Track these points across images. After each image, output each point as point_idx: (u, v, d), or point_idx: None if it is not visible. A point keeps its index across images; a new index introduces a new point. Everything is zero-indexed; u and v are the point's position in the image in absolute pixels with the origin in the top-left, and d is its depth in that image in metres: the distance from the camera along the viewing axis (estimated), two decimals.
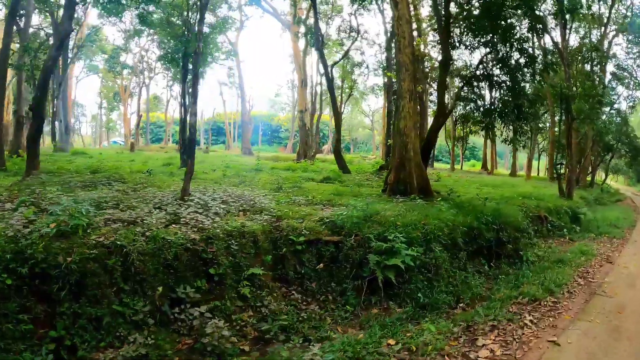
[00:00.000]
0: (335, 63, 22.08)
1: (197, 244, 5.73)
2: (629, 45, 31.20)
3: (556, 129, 39.20)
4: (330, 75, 19.14)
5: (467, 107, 13.76)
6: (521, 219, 10.58)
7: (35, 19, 26.36)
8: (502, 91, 12.69)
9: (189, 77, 18.07)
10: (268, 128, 77.60)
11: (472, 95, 13.34)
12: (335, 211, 8.26)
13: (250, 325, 5.49)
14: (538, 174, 47.78)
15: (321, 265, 6.83)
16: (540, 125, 36.57)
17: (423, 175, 12.55)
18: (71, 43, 28.10)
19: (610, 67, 31.66)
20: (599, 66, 27.46)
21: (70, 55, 29.41)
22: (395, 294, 6.71)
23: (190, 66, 18.36)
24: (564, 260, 9.44)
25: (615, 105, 32.70)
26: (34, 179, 9.49)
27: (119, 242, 5.08)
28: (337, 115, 18.39)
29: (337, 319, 6.05)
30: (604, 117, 32.67)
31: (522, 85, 12.84)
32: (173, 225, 6.15)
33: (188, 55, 19.83)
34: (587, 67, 27.27)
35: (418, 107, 13.04)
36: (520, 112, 12.60)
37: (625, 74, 32.03)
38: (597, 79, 26.22)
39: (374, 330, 5.44)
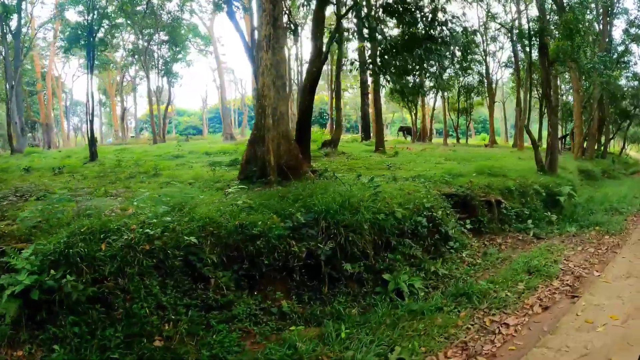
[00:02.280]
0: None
1: None
2: None
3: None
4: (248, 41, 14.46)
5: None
6: (401, 212, 5.59)
7: None
8: (403, 20, 7.66)
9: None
10: None
11: (365, 31, 8.41)
12: None
13: None
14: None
15: None
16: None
17: (291, 149, 7.98)
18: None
19: (621, 24, 24.52)
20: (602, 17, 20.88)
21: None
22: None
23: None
24: (471, 294, 4.57)
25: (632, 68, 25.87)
26: None
27: None
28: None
29: None
30: (623, 82, 25.96)
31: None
32: None
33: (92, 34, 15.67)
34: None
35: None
36: (429, 48, 7.60)
37: None
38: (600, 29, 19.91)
39: None
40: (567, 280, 5.25)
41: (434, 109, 34.99)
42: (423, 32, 7.78)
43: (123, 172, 10.06)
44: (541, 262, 5.81)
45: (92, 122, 16.32)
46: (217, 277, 4.18)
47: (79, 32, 16.57)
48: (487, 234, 7.80)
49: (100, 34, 17.28)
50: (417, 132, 34.59)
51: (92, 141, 14.98)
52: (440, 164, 12.96)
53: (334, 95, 22.80)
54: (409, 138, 34.52)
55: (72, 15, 23.75)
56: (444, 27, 7.79)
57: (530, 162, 13.76)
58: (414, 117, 34.99)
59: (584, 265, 5.92)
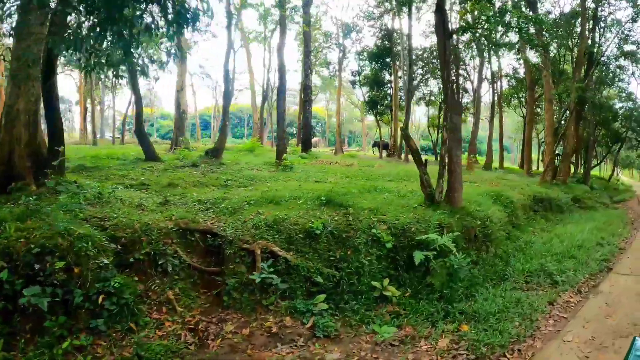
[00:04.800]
0: None
1: None
2: (636, 10, 18.58)
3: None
4: None
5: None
6: None
7: None
8: None
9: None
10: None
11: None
12: None
13: None
14: (538, 168, 35.37)
15: None
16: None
17: (23, 158, 5.73)
18: None
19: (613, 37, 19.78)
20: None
21: None
22: None
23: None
24: None
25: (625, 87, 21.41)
26: None
27: None
28: (135, 89, 10.93)
29: None
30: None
31: None
32: None
33: None
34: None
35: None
36: None
37: (635, 48, 19.60)
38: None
39: None
40: None
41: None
42: None
43: None
44: None
45: None
46: None
47: None
48: (225, 310, 3.62)
49: None
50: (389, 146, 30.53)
51: None
52: (319, 183, 8.86)
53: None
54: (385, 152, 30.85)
55: None
56: None
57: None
58: (389, 131, 31.11)
59: None
